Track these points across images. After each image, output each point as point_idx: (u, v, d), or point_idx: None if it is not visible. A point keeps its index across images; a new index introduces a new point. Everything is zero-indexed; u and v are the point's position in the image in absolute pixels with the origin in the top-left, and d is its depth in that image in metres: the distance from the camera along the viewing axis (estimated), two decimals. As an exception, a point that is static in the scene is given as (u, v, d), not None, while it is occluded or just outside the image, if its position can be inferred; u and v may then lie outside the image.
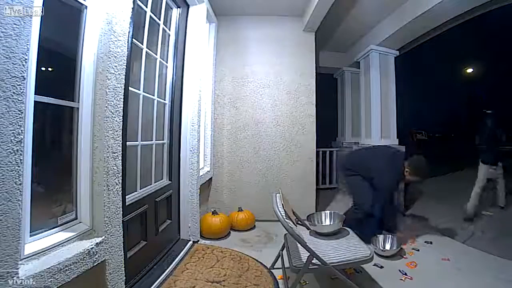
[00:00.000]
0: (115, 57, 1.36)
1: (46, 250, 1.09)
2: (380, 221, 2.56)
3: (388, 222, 2.56)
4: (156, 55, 2.11)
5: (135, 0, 1.60)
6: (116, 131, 1.38)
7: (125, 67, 1.44)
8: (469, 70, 14.99)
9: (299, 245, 1.59)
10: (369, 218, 2.44)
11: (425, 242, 2.49)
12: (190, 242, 2.43)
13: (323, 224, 2.01)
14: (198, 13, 2.54)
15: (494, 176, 3.31)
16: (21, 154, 0.90)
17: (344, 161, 2.77)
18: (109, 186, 1.33)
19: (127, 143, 1.61)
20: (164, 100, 2.30)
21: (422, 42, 3.64)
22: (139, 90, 1.86)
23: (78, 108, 1.32)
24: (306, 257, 1.54)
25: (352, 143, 4.41)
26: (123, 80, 1.43)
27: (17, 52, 0.87)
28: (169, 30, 2.32)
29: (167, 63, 2.30)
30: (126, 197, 1.64)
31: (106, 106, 1.30)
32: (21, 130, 0.90)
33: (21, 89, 0.89)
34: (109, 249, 1.32)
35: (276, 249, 2.11)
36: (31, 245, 1.07)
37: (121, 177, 1.43)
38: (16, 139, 0.88)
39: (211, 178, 3.15)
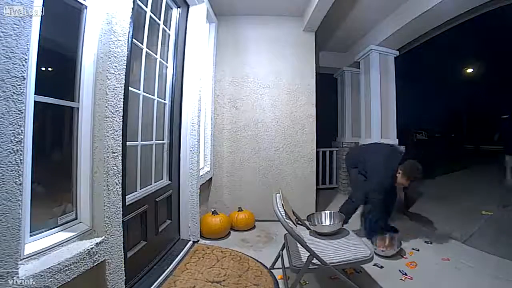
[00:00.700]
0: (115, 57, 1.36)
1: (46, 250, 1.09)
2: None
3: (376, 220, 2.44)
4: (156, 55, 2.11)
5: (135, 0, 1.60)
6: (116, 131, 1.38)
7: (125, 67, 1.44)
8: (469, 70, 14.99)
9: (299, 245, 1.59)
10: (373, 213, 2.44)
11: (425, 242, 2.49)
12: (190, 242, 2.43)
13: (323, 224, 2.01)
14: (198, 13, 2.54)
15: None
16: (21, 154, 0.90)
17: (348, 155, 2.92)
18: (109, 186, 1.33)
19: (127, 143, 1.61)
20: (164, 100, 2.30)
21: (422, 42, 3.64)
22: (139, 90, 1.86)
23: (78, 108, 1.32)
24: (306, 257, 1.54)
25: (352, 143, 4.42)
26: (123, 80, 1.43)
27: (17, 52, 0.87)
28: (169, 30, 2.32)
29: (167, 63, 2.30)
30: (126, 197, 1.64)
31: (106, 106, 1.30)
32: (21, 130, 0.90)
33: (21, 89, 0.89)
34: (109, 249, 1.32)
35: (276, 249, 2.11)
36: (31, 245, 1.07)
37: (121, 177, 1.43)
38: (16, 139, 0.88)
39: (211, 178, 3.15)
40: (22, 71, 0.89)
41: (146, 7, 1.89)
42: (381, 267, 2.05)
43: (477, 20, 3.06)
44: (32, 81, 1.04)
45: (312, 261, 1.53)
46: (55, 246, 1.14)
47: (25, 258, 1.01)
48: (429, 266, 2.07)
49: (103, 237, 1.29)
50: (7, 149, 0.86)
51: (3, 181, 0.85)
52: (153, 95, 2.09)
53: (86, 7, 1.33)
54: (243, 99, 3.23)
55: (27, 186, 1.03)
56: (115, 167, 1.38)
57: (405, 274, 1.94)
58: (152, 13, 1.97)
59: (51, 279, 1.00)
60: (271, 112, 3.23)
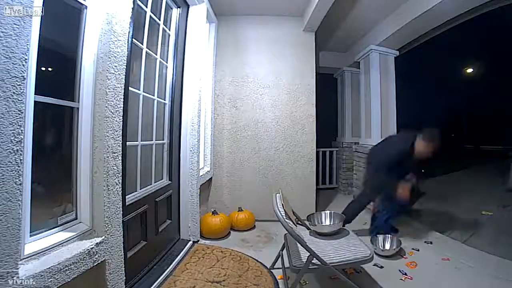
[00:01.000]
0: (115, 57, 1.36)
1: (46, 250, 1.09)
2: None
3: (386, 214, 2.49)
4: (156, 55, 2.11)
5: (135, 0, 1.60)
6: (116, 131, 1.38)
7: (125, 67, 1.44)
8: (469, 70, 14.96)
9: (299, 245, 1.59)
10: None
11: (425, 242, 2.49)
12: (190, 242, 2.43)
13: (323, 224, 2.01)
14: (198, 13, 2.54)
15: None
16: (21, 154, 0.90)
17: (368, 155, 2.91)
18: (109, 186, 1.33)
19: (127, 143, 1.61)
20: (164, 100, 2.30)
21: (422, 42, 3.64)
22: (139, 90, 1.86)
23: (78, 108, 1.32)
24: (306, 257, 1.54)
25: (352, 143, 4.42)
26: (123, 80, 1.43)
27: (17, 52, 0.87)
28: (169, 30, 2.32)
29: (167, 63, 2.30)
30: (126, 197, 1.64)
31: (106, 106, 1.30)
32: (21, 130, 0.90)
33: (21, 89, 0.89)
34: (109, 249, 1.32)
35: (276, 249, 2.11)
36: (31, 245, 1.07)
37: (121, 177, 1.43)
38: (16, 139, 0.88)
39: (211, 178, 3.15)
40: (22, 71, 0.89)
41: (146, 7, 1.89)
42: (381, 267, 2.05)
43: (477, 20, 3.06)
44: (32, 81, 1.04)
45: (312, 261, 1.53)
46: (55, 246, 1.14)
47: (25, 258, 1.01)
48: (429, 266, 2.07)
49: (103, 237, 1.29)
50: (7, 149, 0.86)
51: (3, 181, 0.85)
52: (153, 95, 2.09)
53: (86, 7, 1.33)
54: (243, 99, 3.23)
55: (27, 186, 1.03)
56: (115, 167, 1.38)
57: (405, 274, 1.94)
58: (152, 13, 1.97)
59: (51, 279, 1.00)
60: (271, 112, 3.23)
